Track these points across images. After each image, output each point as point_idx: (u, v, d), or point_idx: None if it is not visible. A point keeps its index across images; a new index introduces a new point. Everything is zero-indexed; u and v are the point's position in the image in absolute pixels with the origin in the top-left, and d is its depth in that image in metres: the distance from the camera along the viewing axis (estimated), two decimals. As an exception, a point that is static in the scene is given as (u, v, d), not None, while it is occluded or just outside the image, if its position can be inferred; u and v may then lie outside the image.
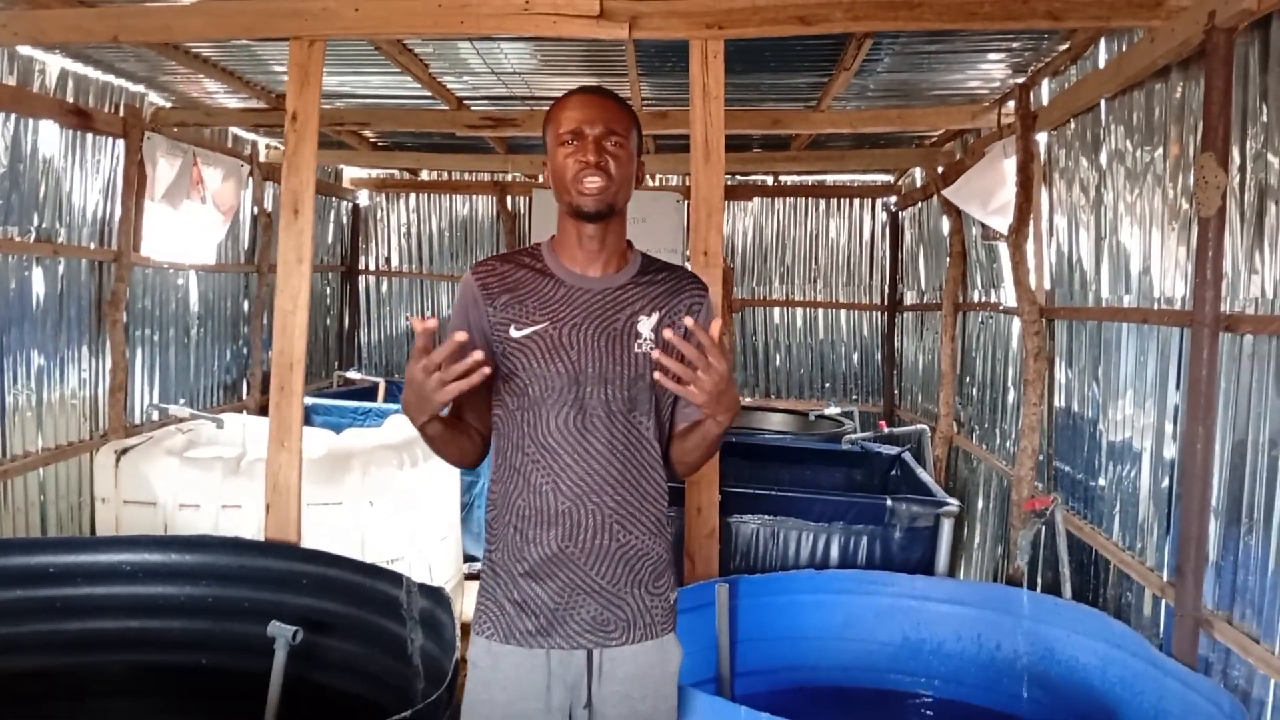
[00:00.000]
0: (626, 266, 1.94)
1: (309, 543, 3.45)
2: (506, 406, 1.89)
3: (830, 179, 8.04)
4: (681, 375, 1.64)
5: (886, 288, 7.97)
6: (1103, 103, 3.72)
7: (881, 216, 8.03)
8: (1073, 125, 4.03)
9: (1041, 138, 4.37)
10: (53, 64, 4.56)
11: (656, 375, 1.69)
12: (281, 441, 3.36)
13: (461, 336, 1.63)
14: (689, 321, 1.68)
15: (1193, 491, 2.81)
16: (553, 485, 1.84)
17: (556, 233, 1.95)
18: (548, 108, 1.92)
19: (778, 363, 8.27)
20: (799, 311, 8.22)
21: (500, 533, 1.91)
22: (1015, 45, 4.07)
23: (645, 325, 1.88)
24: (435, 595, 2.80)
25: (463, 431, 1.93)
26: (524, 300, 1.87)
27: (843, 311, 8.16)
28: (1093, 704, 2.99)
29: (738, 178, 7.92)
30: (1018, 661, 3.22)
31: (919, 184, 7.10)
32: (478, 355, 1.62)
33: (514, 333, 1.85)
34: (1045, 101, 4.33)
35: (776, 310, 8.25)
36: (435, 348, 1.62)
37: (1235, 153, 2.73)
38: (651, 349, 1.85)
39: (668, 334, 1.66)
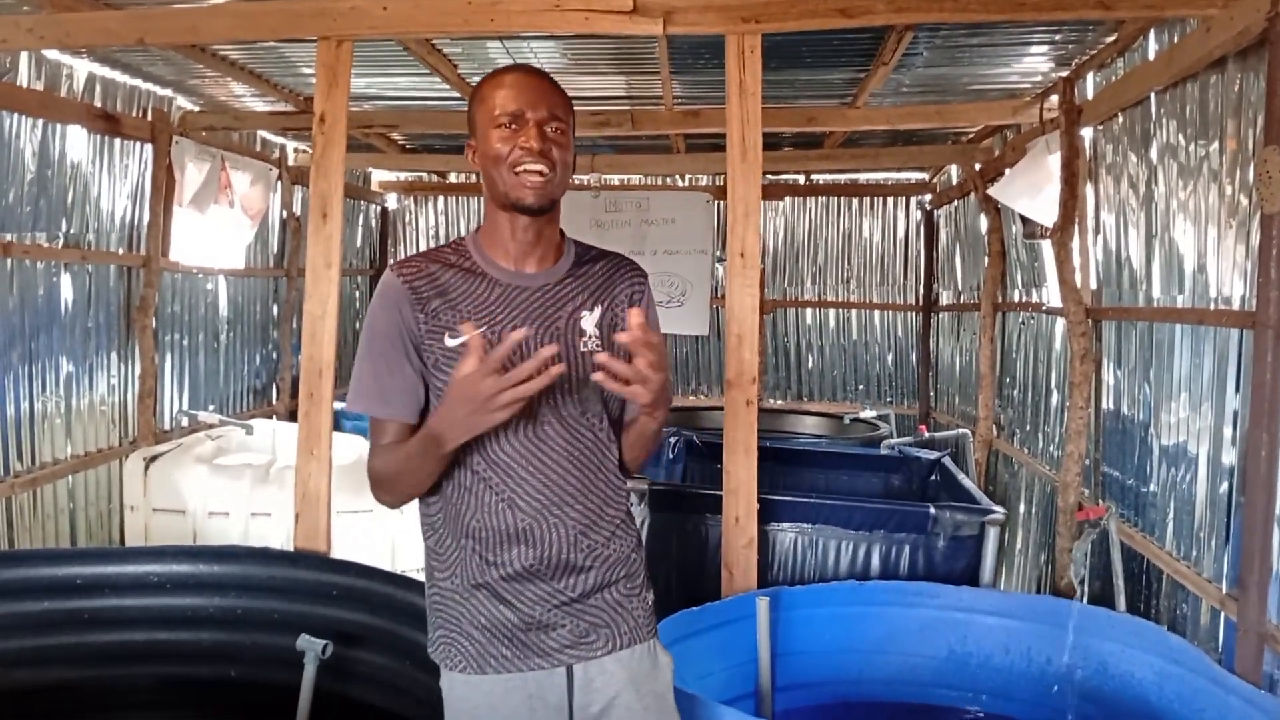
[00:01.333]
0: (561, 259, 1.77)
1: (339, 551, 3.40)
2: None
3: (863, 178, 7.92)
4: (630, 378, 1.52)
5: (921, 288, 7.83)
6: (1153, 96, 3.59)
7: (916, 215, 7.90)
8: (1120, 119, 3.90)
9: (1086, 133, 4.25)
10: (80, 68, 4.54)
11: (598, 377, 1.54)
12: (310, 449, 3.30)
13: (519, 334, 1.48)
14: (633, 316, 1.54)
15: (1256, 500, 2.68)
16: (508, 503, 1.68)
17: (484, 225, 1.77)
18: (481, 94, 1.73)
19: (810, 365, 8.14)
20: (831, 312, 8.10)
21: (453, 557, 1.72)
22: (1058, 37, 3.94)
23: (589, 322, 1.73)
24: (467, 608, 2.72)
25: None
26: (457, 305, 1.68)
27: (876, 312, 8.03)
28: (1149, 721, 2.88)
29: (769, 177, 7.81)
30: (1070, 676, 3.11)
31: (954, 182, 6.97)
32: (548, 351, 1.48)
33: (449, 341, 1.67)
34: (1090, 95, 4.20)
35: (809, 311, 8.13)
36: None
37: (1299, 146, 2.61)
38: (598, 348, 1.71)
39: (622, 338, 1.53)
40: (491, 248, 1.74)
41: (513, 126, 1.64)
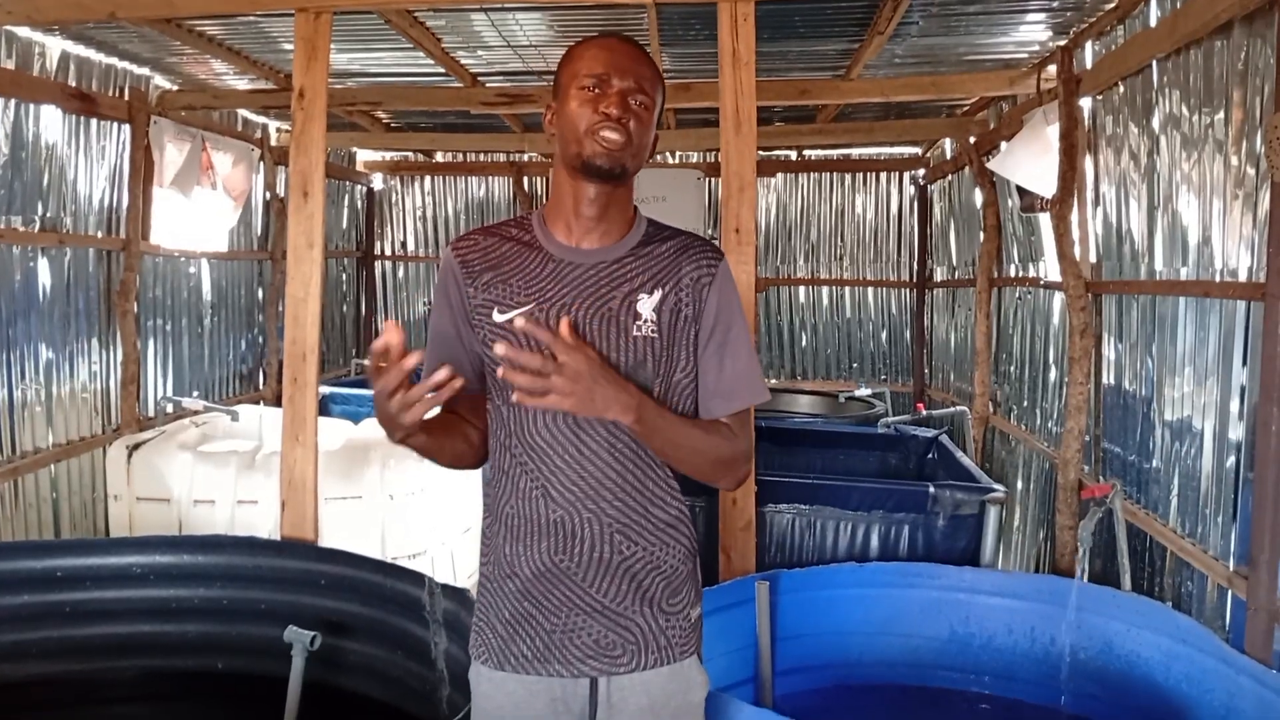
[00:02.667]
0: (627, 236, 1.65)
1: (327, 539, 3.33)
2: (494, 401, 1.64)
3: (856, 153, 7.84)
4: (527, 387, 1.42)
5: (915, 264, 7.76)
6: (1154, 64, 3.51)
7: (909, 190, 7.82)
8: (1121, 89, 3.82)
9: (1085, 103, 4.16)
10: (53, 46, 4.42)
11: (501, 372, 1.44)
12: (296, 435, 3.22)
13: (411, 361, 1.40)
14: (563, 326, 1.47)
15: (1266, 476, 2.62)
16: (542, 491, 1.59)
17: (551, 197, 1.67)
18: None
19: (804, 343, 8.08)
20: (825, 290, 8.03)
21: (492, 543, 1.67)
22: (1056, 5, 3.86)
23: (646, 305, 1.59)
24: (459, 596, 2.66)
25: (454, 433, 1.68)
26: (508, 279, 1.61)
27: (870, 289, 7.97)
28: (1156, 701, 2.83)
29: (761, 153, 7.69)
30: (1074, 656, 3.06)
31: (949, 156, 6.88)
32: (441, 375, 1.40)
33: (497, 316, 1.59)
34: (1089, 65, 4.12)
35: (802, 289, 8.06)
36: (399, 357, 1.40)
37: (1310, 113, 2.53)
38: (654, 333, 1.59)
39: (520, 324, 1.48)
40: (554, 221, 1.65)
41: (596, 90, 1.55)
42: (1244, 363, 2.96)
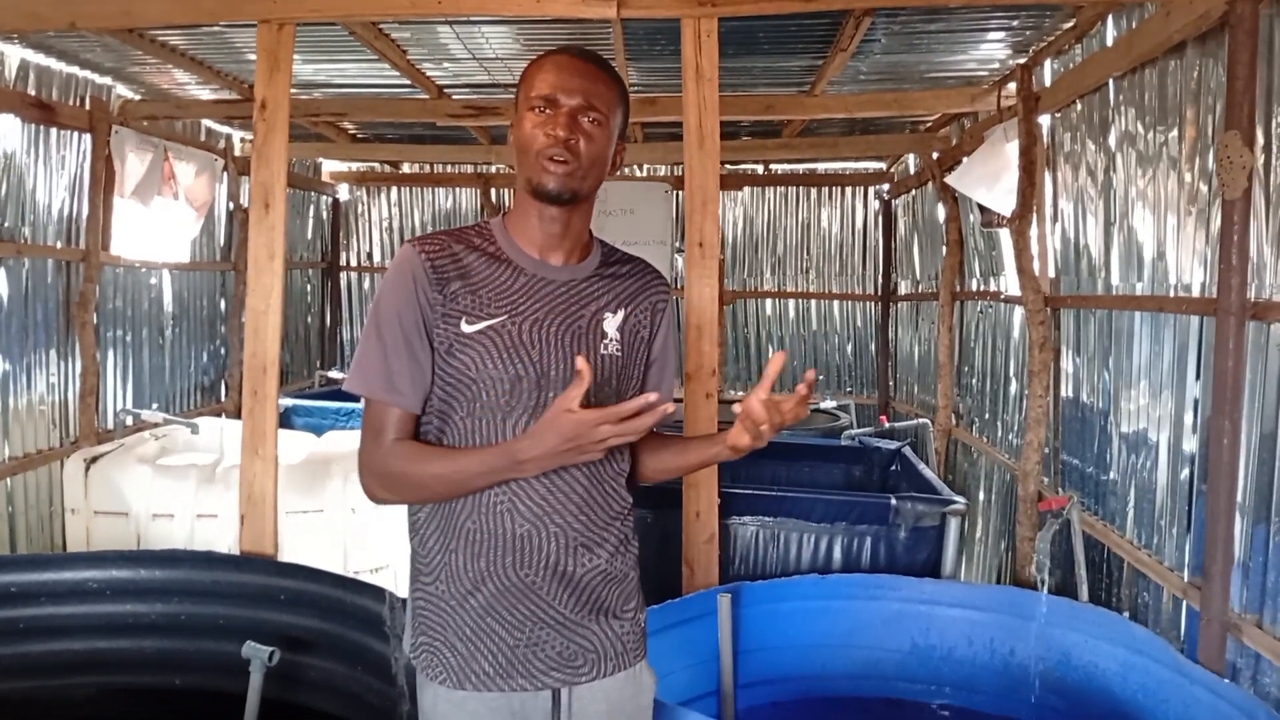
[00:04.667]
0: (589, 257, 1.69)
1: (288, 553, 3.30)
2: (451, 414, 1.59)
3: (822, 167, 7.91)
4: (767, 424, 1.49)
5: (880, 278, 7.83)
6: (1111, 83, 3.57)
7: (874, 205, 7.90)
8: (1078, 107, 3.88)
9: (1044, 120, 4.23)
10: (12, 55, 4.36)
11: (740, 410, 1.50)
12: (255, 449, 3.19)
13: (584, 373, 1.42)
14: (808, 375, 1.51)
15: (1219, 488, 2.67)
16: (509, 506, 1.57)
17: (512, 210, 1.67)
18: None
19: (769, 355, 8.12)
20: (791, 303, 8.09)
21: (440, 560, 1.62)
22: (1016, 24, 3.92)
23: (611, 324, 1.65)
24: (420, 612, 2.63)
25: None
26: (477, 289, 1.58)
27: (835, 302, 8.03)
28: (1113, 712, 2.86)
29: (727, 167, 7.77)
30: (1033, 668, 3.08)
31: (912, 171, 6.96)
32: (652, 398, 1.40)
33: (465, 327, 1.56)
34: (1048, 83, 4.19)
35: (768, 302, 8.12)
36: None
37: (1259, 132, 2.59)
38: (618, 351, 1.65)
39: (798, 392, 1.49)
40: (519, 235, 1.65)
41: (545, 111, 1.55)
42: (1197, 376, 3.01)
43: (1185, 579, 3.00)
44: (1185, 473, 3.08)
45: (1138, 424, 3.39)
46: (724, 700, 2.98)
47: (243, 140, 6.59)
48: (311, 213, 8.03)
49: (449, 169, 8.14)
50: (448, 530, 1.61)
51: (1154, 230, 3.27)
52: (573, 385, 1.42)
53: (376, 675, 2.76)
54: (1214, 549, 2.69)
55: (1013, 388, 4.90)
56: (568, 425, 1.42)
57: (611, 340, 1.65)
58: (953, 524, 3.54)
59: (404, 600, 2.71)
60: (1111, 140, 3.59)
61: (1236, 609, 2.68)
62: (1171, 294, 3.14)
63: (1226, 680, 2.56)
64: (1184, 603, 3.02)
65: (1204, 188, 2.93)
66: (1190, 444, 3.05)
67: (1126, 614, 3.31)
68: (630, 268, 1.74)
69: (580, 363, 1.42)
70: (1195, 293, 2.99)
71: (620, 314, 1.67)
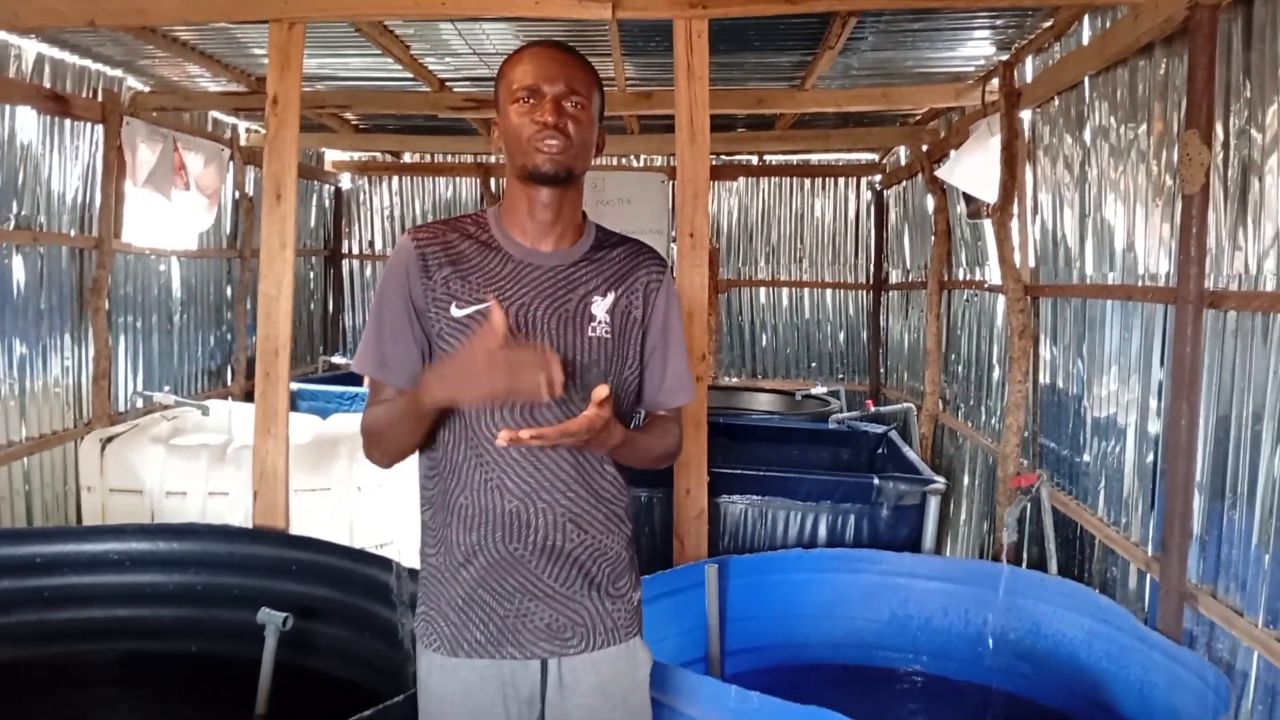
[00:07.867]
0: (580, 241, 1.74)
1: (296, 529, 3.45)
2: None
3: (815, 158, 8.04)
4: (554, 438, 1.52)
5: (872, 266, 7.97)
6: (1086, 80, 3.72)
7: (866, 195, 8.04)
8: (1057, 102, 4.03)
9: (1025, 115, 4.37)
10: (29, 49, 4.50)
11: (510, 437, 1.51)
12: (268, 428, 3.34)
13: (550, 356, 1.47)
14: (600, 391, 1.50)
15: (1177, 467, 2.83)
16: (498, 483, 1.65)
17: (504, 200, 1.73)
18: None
19: (764, 343, 8.28)
20: (785, 291, 8.23)
21: (439, 534, 1.72)
22: (999, 22, 4.06)
23: (600, 307, 1.70)
24: (425, 580, 2.79)
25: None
26: (467, 275, 1.66)
27: (828, 291, 8.18)
28: (1079, 678, 3.02)
29: (722, 158, 7.90)
30: (1005, 636, 3.24)
31: (903, 162, 7.10)
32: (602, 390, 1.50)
33: (455, 311, 1.64)
34: (1029, 79, 4.33)
35: (762, 290, 8.26)
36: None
37: (1219, 129, 2.74)
38: (606, 334, 1.69)
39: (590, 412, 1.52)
40: (510, 223, 1.71)
41: (530, 101, 1.62)
42: (1162, 362, 3.16)
43: (1150, 554, 3.16)
44: (1151, 455, 3.23)
45: (1108, 409, 3.54)
46: (711, 666, 3.14)
47: (248, 130, 6.73)
48: (314, 201, 8.17)
49: (449, 159, 8.28)
50: (447, 505, 1.70)
51: (1125, 221, 3.42)
52: (484, 327, 1.51)
53: (384, 640, 2.91)
54: (1172, 524, 2.85)
55: (996, 374, 5.05)
56: (465, 352, 1.51)
57: (600, 323, 1.69)
58: (932, 502, 3.71)
59: (410, 570, 2.87)
60: (1087, 134, 3.74)
61: (1194, 580, 2.84)
62: (1139, 283, 3.29)
63: (1183, 646, 2.73)
64: (1147, 576, 3.18)
65: (1170, 180, 3.07)
66: (1155, 427, 3.19)
67: (1097, 587, 3.46)
68: (623, 250, 1.77)
69: (493, 305, 1.51)
70: (1161, 282, 3.14)
71: (610, 296, 1.71)
